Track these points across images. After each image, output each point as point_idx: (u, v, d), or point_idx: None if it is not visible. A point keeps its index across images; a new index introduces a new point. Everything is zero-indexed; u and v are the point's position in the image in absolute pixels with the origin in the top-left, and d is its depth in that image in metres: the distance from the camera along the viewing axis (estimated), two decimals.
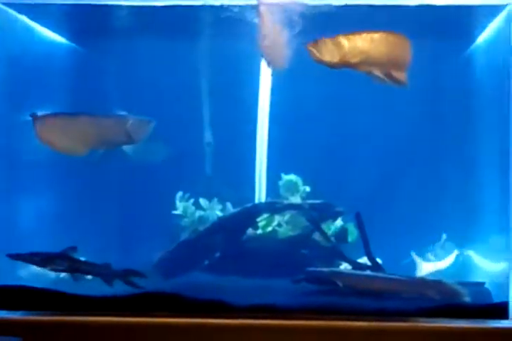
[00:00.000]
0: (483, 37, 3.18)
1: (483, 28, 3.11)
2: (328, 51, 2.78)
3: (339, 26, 2.98)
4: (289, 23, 2.83)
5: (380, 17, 2.92)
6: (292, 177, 3.36)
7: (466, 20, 3.07)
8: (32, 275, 3.07)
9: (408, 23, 3.00)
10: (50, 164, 3.29)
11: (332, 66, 2.79)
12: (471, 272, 3.22)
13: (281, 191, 3.37)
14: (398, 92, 3.30)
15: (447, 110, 3.38)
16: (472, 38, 3.26)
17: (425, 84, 3.36)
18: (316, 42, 2.77)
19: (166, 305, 2.82)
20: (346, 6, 2.83)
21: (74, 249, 3.00)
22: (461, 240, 3.29)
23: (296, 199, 3.33)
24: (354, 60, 2.79)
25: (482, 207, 3.19)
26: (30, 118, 3.02)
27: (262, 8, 2.85)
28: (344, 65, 2.80)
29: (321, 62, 2.78)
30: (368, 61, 2.80)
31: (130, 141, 3.15)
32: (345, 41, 2.77)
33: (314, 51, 2.76)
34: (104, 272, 2.97)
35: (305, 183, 3.38)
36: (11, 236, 2.99)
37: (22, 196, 3.14)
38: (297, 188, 3.35)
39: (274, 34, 2.85)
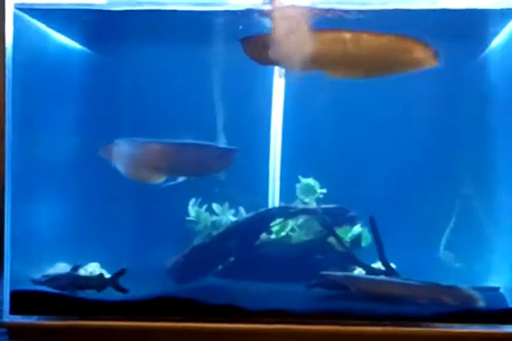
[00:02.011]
0: (497, 41, 3.17)
1: (498, 32, 3.10)
2: (258, 48, 2.86)
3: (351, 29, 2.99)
4: (303, 27, 2.83)
5: (394, 21, 2.92)
6: (310, 180, 3.36)
7: (481, 24, 3.06)
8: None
9: (422, 27, 3.00)
10: (64, 170, 3.30)
11: (261, 63, 2.91)
12: (485, 276, 3.20)
13: (298, 193, 3.36)
14: (413, 96, 3.31)
15: (462, 114, 3.36)
16: (487, 42, 3.24)
17: (440, 88, 3.35)
18: (250, 38, 2.87)
19: (180, 309, 2.83)
20: (360, 10, 2.83)
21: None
22: (476, 243, 3.27)
23: (311, 202, 3.32)
24: (283, 57, 2.85)
25: (497, 210, 3.18)
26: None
27: (276, 13, 2.85)
28: (273, 62, 2.90)
29: (252, 58, 2.90)
30: (299, 59, 2.83)
31: (216, 170, 3.17)
32: (276, 38, 2.83)
33: (246, 47, 2.89)
34: (97, 283, 2.98)
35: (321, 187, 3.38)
36: (26, 242, 2.99)
37: (36, 202, 3.15)
38: (314, 191, 3.35)
39: (287, 38, 2.85)
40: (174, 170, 3.19)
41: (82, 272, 3.12)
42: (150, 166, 3.17)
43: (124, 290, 2.95)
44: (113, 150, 3.14)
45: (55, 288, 2.94)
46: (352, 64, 2.94)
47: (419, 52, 2.87)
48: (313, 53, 2.83)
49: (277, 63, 2.94)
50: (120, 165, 3.15)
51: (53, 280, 2.96)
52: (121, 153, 3.16)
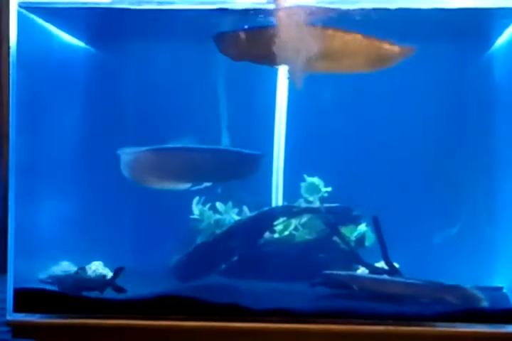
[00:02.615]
0: (501, 40, 3.16)
1: (502, 31, 3.09)
2: (231, 44, 2.93)
3: (357, 30, 2.99)
4: (307, 27, 2.83)
5: (397, 21, 2.92)
6: (315, 179, 3.35)
7: (485, 24, 3.05)
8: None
9: (426, 27, 3.01)
10: (67, 169, 3.31)
11: (234, 59, 2.96)
12: (489, 276, 3.20)
13: (302, 192, 3.36)
14: (418, 96, 3.31)
15: (466, 114, 3.36)
16: (490, 41, 3.23)
17: (444, 87, 3.35)
18: (223, 35, 2.92)
19: (183, 308, 2.83)
20: (363, 9, 2.82)
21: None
22: (480, 243, 3.27)
23: (315, 201, 3.32)
24: (254, 54, 2.93)
25: (501, 209, 3.17)
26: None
27: (280, 12, 2.85)
28: (245, 59, 2.96)
29: (224, 54, 2.96)
30: (269, 55, 2.87)
31: (243, 176, 3.18)
32: (246, 35, 2.90)
33: (219, 43, 2.94)
34: (99, 285, 2.99)
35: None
36: (29, 240, 3.00)
37: (40, 201, 3.15)
38: (318, 190, 3.35)
39: (293, 37, 2.85)
40: (200, 176, 3.20)
41: (87, 272, 3.14)
42: (176, 173, 3.17)
43: (121, 290, 2.95)
44: (137, 157, 3.14)
45: (60, 288, 2.95)
46: (326, 59, 2.96)
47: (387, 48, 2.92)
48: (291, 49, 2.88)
49: (250, 59, 2.99)
50: (145, 173, 3.16)
51: (59, 281, 2.97)
52: (147, 161, 3.16)
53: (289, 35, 2.87)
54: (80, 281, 3.01)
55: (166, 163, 3.19)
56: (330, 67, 3.00)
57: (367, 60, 2.96)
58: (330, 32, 2.90)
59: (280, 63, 2.95)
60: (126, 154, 3.16)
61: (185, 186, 3.20)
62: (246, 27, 2.92)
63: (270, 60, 2.91)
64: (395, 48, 2.92)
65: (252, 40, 2.93)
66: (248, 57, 2.98)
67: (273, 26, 2.86)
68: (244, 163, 3.23)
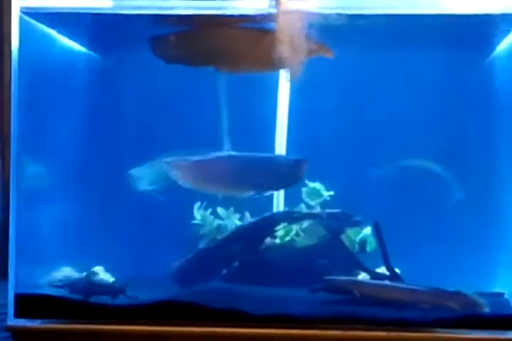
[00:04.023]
0: (503, 45, 3.16)
1: (503, 36, 3.09)
2: (165, 47, 3.01)
3: (357, 35, 3.00)
4: (307, 32, 2.84)
5: (399, 26, 2.92)
6: (316, 184, 3.35)
7: (486, 29, 3.06)
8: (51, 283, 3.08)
9: (428, 32, 3.01)
10: (69, 174, 3.31)
11: (167, 61, 3.04)
12: (490, 282, 3.19)
13: (304, 197, 3.36)
14: (419, 101, 3.31)
15: (467, 120, 3.36)
16: (492, 47, 3.24)
17: (446, 92, 3.35)
18: (154, 37, 3.00)
19: (184, 313, 2.83)
20: (366, 15, 2.83)
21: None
22: (481, 248, 3.27)
23: (316, 206, 3.32)
24: (186, 57, 3.03)
25: (502, 215, 3.17)
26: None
27: (281, 17, 2.85)
28: (177, 61, 3.04)
29: (157, 56, 3.04)
30: (203, 57, 3.00)
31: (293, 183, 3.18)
32: (179, 38, 2.99)
33: (153, 46, 3.02)
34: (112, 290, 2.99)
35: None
36: (31, 245, 3.00)
37: (41, 206, 3.15)
38: (320, 195, 3.34)
39: (292, 42, 2.86)
40: (251, 184, 3.20)
41: (97, 277, 3.15)
42: (225, 180, 3.18)
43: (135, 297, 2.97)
44: (183, 166, 3.15)
45: (71, 292, 2.95)
46: (241, 58, 3.04)
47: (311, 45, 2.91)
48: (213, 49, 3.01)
49: (181, 62, 3.06)
50: (194, 180, 3.16)
51: (70, 285, 2.98)
52: (193, 168, 3.17)
53: (217, 36, 2.99)
54: (92, 286, 3.01)
55: (214, 170, 3.19)
56: (250, 66, 3.06)
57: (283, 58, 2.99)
58: (250, 32, 2.97)
59: (210, 65, 3.03)
60: (181, 162, 3.17)
61: (241, 194, 3.21)
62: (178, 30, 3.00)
63: (201, 61, 3.01)
64: (313, 46, 2.92)
65: (181, 43, 3.02)
66: (179, 60, 3.06)
67: (200, 29, 2.96)
68: (291, 169, 3.22)
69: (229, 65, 3.05)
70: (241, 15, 2.86)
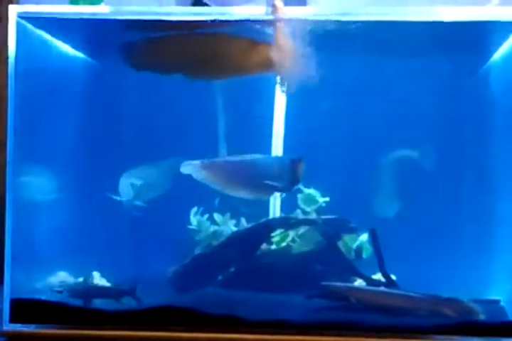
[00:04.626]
0: (499, 53, 3.17)
1: (500, 44, 3.09)
2: (136, 55, 3.06)
3: (355, 42, 3.01)
4: (304, 38, 2.84)
5: (396, 34, 2.93)
6: (311, 190, 3.35)
7: (483, 37, 3.06)
8: (46, 288, 3.07)
9: (424, 39, 3.02)
10: (65, 179, 3.31)
11: (137, 69, 3.10)
12: (486, 289, 3.19)
13: (300, 203, 3.36)
14: (416, 109, 3.32)
15: (464, 127, 3.36)
16: (488, 54, 3.24)
17: (442, 100, 3.36)
18: (124, 45, 3.07)
19: (180, 319, 2.83)
20: (362, 22, 2.83)
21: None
22: (477, 256, 3.27)
23: (312, 212, 3.32)
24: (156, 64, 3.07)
25: (498, 221, 3.17)
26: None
27: (278, 23, 2.86)
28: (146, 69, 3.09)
29: (127, 64, 3.10)
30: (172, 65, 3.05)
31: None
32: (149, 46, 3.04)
33: (122, 54, 3.09)
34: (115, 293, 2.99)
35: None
36: (27, 250, 2.99)
37: (37, 211, 3.15)
38: (315, 201, 3.35)
39: (289, 49, 2.86)
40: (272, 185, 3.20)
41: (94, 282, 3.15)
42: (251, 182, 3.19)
43: (139, 300, 2.98)
44: (212, 168, 3.17)
45: (71, 296, 2.96)
46: (209, 65, 3.09)
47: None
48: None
49: (149, 69, 3.12)
50: (224, 183, 3.17)
51: (70, 289, 2.98)
52: (222, 171, 3.19)
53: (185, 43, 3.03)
54: (92, 289, 3.01)
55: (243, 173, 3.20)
56: (216, 73, 3.11)
57: (250, 64, 3.03)
58: (214, 38, 3.00)
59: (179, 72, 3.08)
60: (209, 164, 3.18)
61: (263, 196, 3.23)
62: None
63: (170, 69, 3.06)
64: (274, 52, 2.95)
65: (150, 50, 3.09)
66: (148, 67, 3.11)
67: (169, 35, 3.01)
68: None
69: (197, 72, 3.10)
70: (210, 21, 2.87)
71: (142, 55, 3.10)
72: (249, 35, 3.01)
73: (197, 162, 3.16)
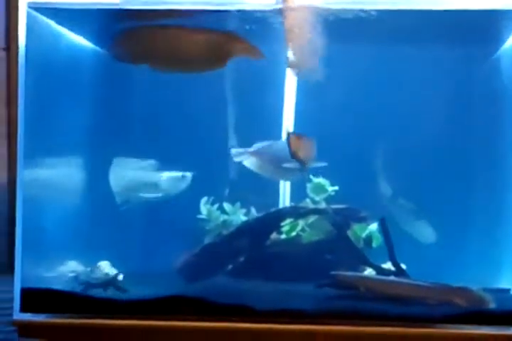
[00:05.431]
0: (510, 41, 3.16)
1: (511, 32, 3.08)
2: (127, 48, 3.08)
3: (366, 31, 3.00)
4: (315, 28, 2.83)
5: (407, 22, 2.92)
6: (321, 180, 3.35)
7: (494, 25, 3.05)
8: (57, 277, 3.09)
9: (435, 28, 3.01)
10: (74, 169, 3.31)
11: (119, 60, 3.14)
12: (496, 278, 3.19)
13: (309, 192, 3.36)
14: (426, 98, 3.31)
15: (475, 116, 3.35)
16: (500, 43, 3.23)
17: (453, 88, 3.35)
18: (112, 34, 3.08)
19: (190, 308, 2.83)
20: (373, 10, 2.82)
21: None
22: (487, 245, 3.26)
23: (321, 201, 3.32)
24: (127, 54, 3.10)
25: (509, 211, 3.17)
26: None
27: (288, 13, 2.85)
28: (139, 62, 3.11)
29: (111, 55, 3.14)
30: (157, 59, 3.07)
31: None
32: (137, 39, 3.07)
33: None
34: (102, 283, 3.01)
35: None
36: (38, 239, 3.00)
37: (47, 201, 3.16)
38: (325, 190, 3.35)
39: (300, 39, 2.85)
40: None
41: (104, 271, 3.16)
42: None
43: (122, 290, 2.97)
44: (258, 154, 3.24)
45: (77, 286, 2.98)
46: (175, 58, 3.11)
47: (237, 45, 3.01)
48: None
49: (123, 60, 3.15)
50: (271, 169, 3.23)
51: (77, 279, 3.00)
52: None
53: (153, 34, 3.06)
54: (102, 279, 3.03)
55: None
56: (181, 67, 3.12)
57: (214, 58, 3.05)
58: (178, 31, 3.03)
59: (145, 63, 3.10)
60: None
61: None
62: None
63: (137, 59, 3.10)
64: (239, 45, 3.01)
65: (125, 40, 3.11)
66: (129, 58, 3.14)
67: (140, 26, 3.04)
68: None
69: (162, 64, 3.12)
70: (174, 11, 2.89)
71: (118, 45, 3.14)
72: (210, 27, 3.03)
73: (250, 149, 3.22)
